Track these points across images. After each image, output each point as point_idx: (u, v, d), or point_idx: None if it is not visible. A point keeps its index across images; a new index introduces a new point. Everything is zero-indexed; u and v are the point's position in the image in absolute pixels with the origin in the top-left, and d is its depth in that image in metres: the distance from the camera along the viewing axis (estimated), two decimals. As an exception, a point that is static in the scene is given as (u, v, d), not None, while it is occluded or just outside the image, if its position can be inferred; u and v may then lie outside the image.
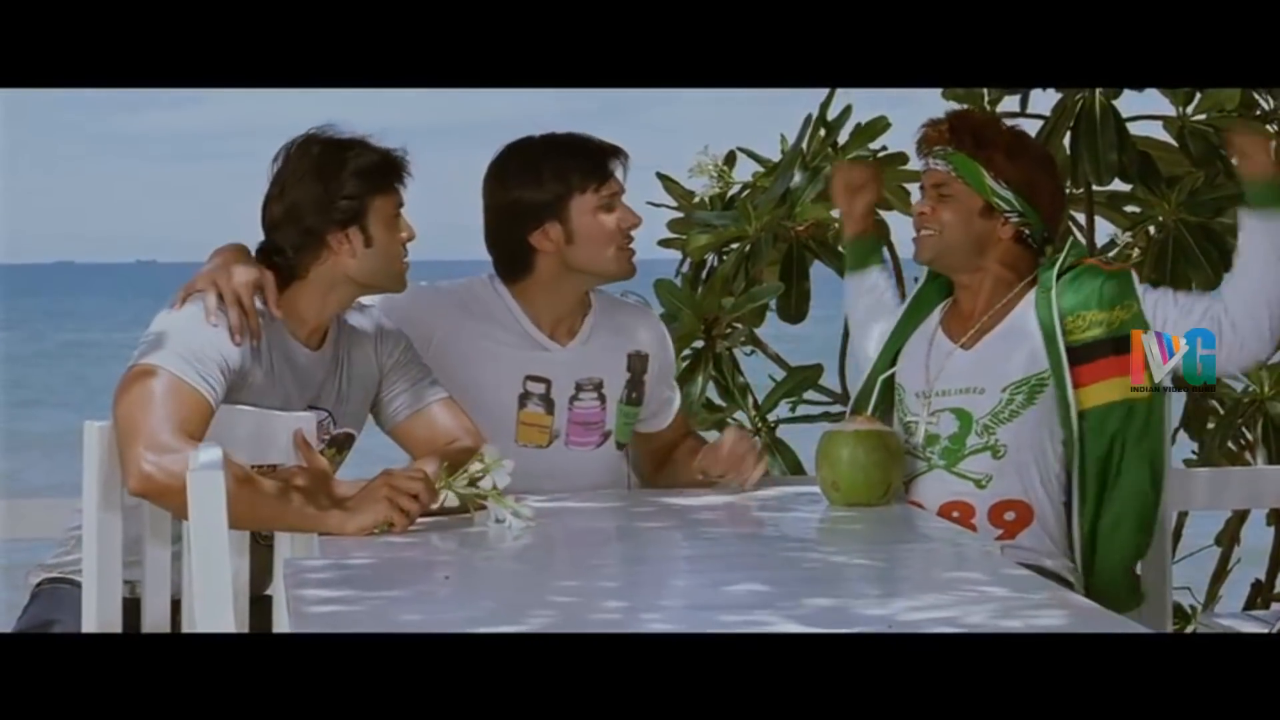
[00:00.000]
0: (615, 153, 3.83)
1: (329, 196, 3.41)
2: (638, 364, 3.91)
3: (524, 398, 3.81)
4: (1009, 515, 3.71)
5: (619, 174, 3.81)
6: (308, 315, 3.47)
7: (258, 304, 3.38)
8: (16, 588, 3.58)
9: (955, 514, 3.71)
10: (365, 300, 3.63)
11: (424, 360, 3.67)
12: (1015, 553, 3.58)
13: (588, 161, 3.78)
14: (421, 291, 3.83)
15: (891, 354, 3.93)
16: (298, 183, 3.42)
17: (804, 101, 4.91)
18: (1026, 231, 3.80)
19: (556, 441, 3.83)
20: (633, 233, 3.80)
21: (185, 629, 3.23)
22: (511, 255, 3.80)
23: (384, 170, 3.47)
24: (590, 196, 3.75)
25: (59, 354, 34.65)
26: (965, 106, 3.91)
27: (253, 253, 3.47)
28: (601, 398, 3.86)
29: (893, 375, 3.89)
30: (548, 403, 3.82)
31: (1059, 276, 3.74)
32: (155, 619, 3.25)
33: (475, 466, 3.30)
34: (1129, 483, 3.73)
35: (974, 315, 3.83)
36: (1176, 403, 4.44)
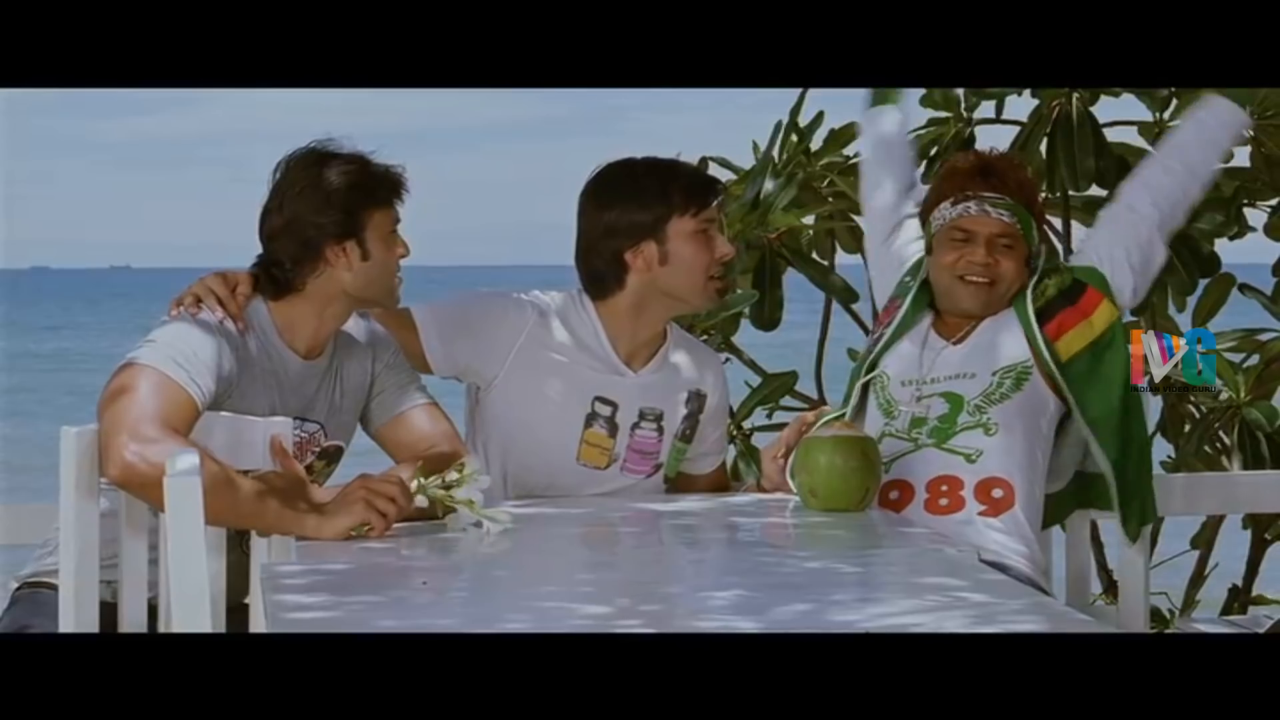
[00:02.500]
0: (715, 183, 3.88)
1: (329, 210, 3.41)
2: (696, 403, 3.93)
3: (591, 417, 3.82)
4: (996, 493, 3.71)
5: (716, 205, 3.82)
6: (304, 328, 3.47)
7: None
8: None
9: (944, 487, 3.71)
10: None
11: (503, 365, 3.75)
12: (990, 537, 3.64)
13: (690, 185, 3.80)
14: (515, 299, 3.86)
15: (878, 360, 3.93)
16: (298, 195, 3.42)
17: (778, 109, 4.91)
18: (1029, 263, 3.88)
19: (613, 465, 3.85)
20: (725, 264, 3.82)
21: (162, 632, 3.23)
22: (603, 271, 3.80)
23: (383, 185, 3.47)
24: (689, 220, 3.76)
25: (38, 362, 34.53)
26: (990, 149, 3.96)
27: (250, 266, 3.48)
28: (660, 429, 3.88)
29: (871, 380, 3.90)
30: (612, 426, 3.84)
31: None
32: (132, 622, 3.24)
33: (451, 475, 3.30)
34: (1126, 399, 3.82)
35: (964, 323, 3.87)
36: (1154, 407, 4.45)
